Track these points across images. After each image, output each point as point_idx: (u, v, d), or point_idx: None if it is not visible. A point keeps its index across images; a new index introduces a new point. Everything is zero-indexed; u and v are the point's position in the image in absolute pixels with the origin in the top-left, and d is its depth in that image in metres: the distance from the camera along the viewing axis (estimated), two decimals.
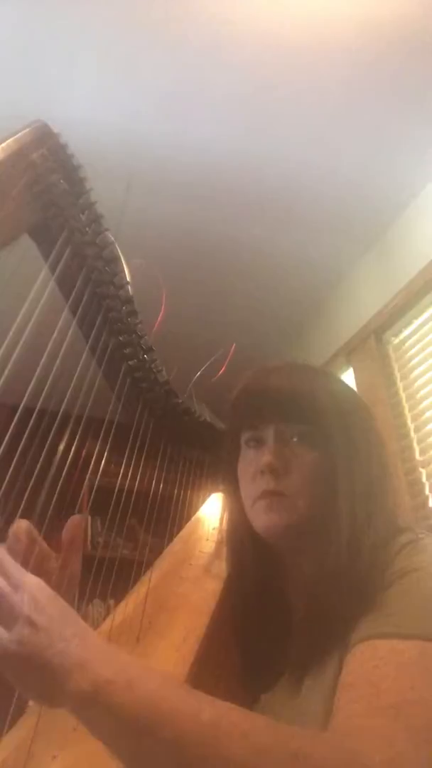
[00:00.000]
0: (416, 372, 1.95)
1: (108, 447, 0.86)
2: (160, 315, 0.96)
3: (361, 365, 2.18)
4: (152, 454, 0.93)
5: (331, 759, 0.48)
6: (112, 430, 0.82)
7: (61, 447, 0.76)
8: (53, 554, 0.70)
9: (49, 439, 0.72)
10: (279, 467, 0.75)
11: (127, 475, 0.88)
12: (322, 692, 0.63)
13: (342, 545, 0.68)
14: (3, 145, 0.64)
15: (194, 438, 1.00)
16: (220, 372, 1.08)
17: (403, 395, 1.98)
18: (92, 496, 0.89)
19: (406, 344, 2.05)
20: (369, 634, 0.59)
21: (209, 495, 1.16)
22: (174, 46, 1.63)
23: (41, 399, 0.66)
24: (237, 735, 0.48)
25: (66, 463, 0.72)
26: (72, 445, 0.76)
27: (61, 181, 0.70)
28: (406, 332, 2.07)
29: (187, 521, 1.09)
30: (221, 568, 0.89)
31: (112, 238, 0.75)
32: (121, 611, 0.82)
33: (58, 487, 0.68)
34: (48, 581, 0.66)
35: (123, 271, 0.78)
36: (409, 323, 2.06)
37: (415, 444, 1.86)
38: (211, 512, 1.12)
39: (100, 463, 0.88)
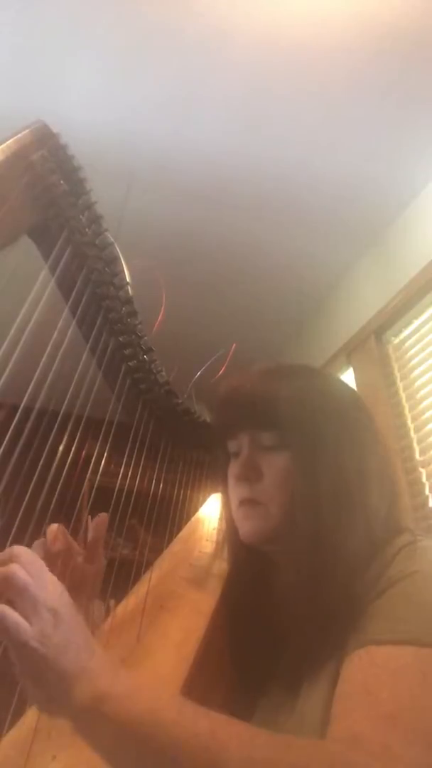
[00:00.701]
0: (416, 372, 1.95)
1: (108, 447, 0.86)
2: (160, 315, 0.96)
3: (361, 365, 2.18)
4: (152, 454, 0.93)
5: None
6: (112, 431, 0.82)
7: (61, 447, 0.76)
8: (81, 551, 0.77)
9: (50, 439, 0.73)
10: (250, 476, 0.76)
11: (127, 475, 0.88)
12: (320, 696, 0.63)
13: (306, 546, 0.69)
14: (3, 146, 0.64)
15: (194, 438, 1.00)
16: (220, 372, 1.08)
17: (403, 395, 1.98)
18: (92, 496, 0.89)
19: (406, 344, 2.05)
20: (365, 640, 0.59)
21: (209, 495, 1.16)
22: (174, 46, 1.63)
23: (41, 399, 0.66)
24: (234, 747, 0.48)
25: (66, 463, 0.72)
26: (72, 445, 0.76)
27: (61, 181, 0.70)
28: (406, 332, 2.07)
29: (187, 521, 1.09)
30: (221, 568, 0.89)
31: (112, 239, 0.76)
32: (122, 611, 0.82)
33: (58, 487, 0.68)
34: (76, 576, 0.74)
35: (123, 271, 0.78)
36: (409, 323, 2.05)
37: (415, 444, 1.86)
38: (211, 512, 1.12)
39: (100, 463, 0.88)
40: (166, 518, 1.02)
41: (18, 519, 0.65)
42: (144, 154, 1.91)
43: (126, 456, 0.87)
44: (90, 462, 0.89)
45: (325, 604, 0.65)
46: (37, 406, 0.67)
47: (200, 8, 1.55)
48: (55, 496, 0.68)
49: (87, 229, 0.73)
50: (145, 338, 0.84)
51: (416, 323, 2.02)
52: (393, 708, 0.52)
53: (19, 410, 0.64)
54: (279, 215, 2.15)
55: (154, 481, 0.94)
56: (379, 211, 2.14)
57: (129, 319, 0.81)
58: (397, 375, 2.04)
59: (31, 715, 0.63)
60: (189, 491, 1.04)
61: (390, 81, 1.71)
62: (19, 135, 0.67)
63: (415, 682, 0.54)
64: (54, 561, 0.72)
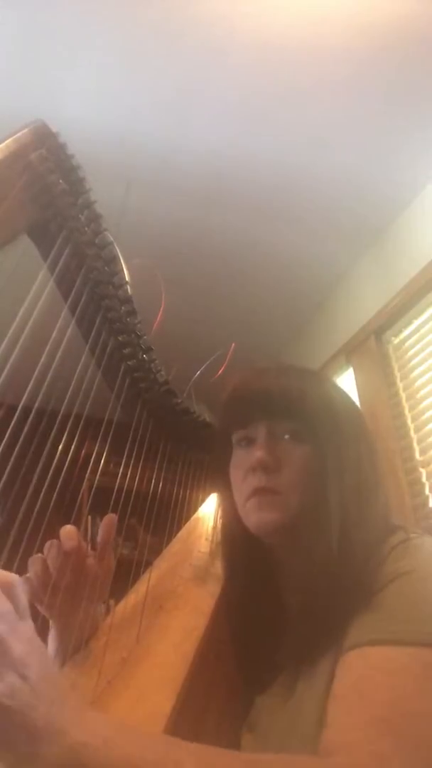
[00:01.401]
0: (416, 372, 1.95)
1: (107, 447, 0.86)
2: (159, 315, 0.96)
3: (361, 365, 2.18)
4: (151, 454, 0.93)
5: None
6: (112, 430, 0.82)
7: (61, 446, 0.76)
8: (90, 551, 0.78)
9: (50, 439, 0.73)
10: (270, 464, 0.75)
11: (127, 475, 0.88)
12: (316, 694, 0.62)
13: (332, 541, 0.68)
14: (2, 145, 0.64)
15: (193, 438, 1.00)
16: (220, 372, 1.08)
17: (403, 395, 1.98)
18: (91, 496, 0.89)
19: (406, 344, 2.05)
20: (360, 640, 0.59)
21: (209, 494, 1.16)
22: (174, 47, 1.63)
23: (40, 398, 0.66)
24: None
25: (65, 463, 0.72)
26: (71, 444, 0.76)
27: (60, 180, 0.70)
28: (406, 332, 2.07)
29: (186, 521, 1.09)
30: (220, 568, 0.89)
31: (111, 238, 0.75)
32: (121, 611, 0.82)
33: (58, 487, 0.68)
34: (87, 576, 0.76)
35: (122, 270, 0.78)
36: (409, 323, 2.05)
37: (415, 444, 1.86)
38: (210, 512, 1.12)
39: (100, 462, 0.88)
40: (166, 518, 1.01)
41: (17, 519, 0.65)
42: (144, 154, 1.91)
43: (125, 455, 0.87)
44: (89, 462, 0.89)
45: (331, 597, 0.65)
46: (36, 405, 0.66)
47: (200, 8, 1.55)
48: (54, 496, 0.68)
49: (86, 228, 0.73)
50: (145, 337, 0.84)
51: (416, 323, 2.02)
52: (387, 713, 0.51)
53: (18, 410, 0.64)
54: (279, 215, 2.15)
55: (153, 481, 0.94)
56: (379, 211, 2.14)
57: (128, 318, 0.81)
58: (397, 375, 2.04)
59: None
60: (188, 491, 1.04)
61: (390, 81, 1.71)
62: (18, 134, 0.67)
63: (410, 684, 0.53)
64: (67, 561, 0.73)
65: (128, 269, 0.79)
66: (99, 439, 0.83)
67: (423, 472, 1.78)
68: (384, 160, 1.95)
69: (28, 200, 0.67)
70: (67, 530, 0.75)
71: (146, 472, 0.91)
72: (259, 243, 2.27)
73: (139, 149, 1.90)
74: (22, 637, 0.45)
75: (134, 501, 0.87)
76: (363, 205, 2.11)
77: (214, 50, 1.64)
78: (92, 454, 0.87)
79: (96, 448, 0.85)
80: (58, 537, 0.76)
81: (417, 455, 1.83)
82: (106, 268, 0.76)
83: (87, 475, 0.92)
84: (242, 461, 0.79)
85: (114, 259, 0.76)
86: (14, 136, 0.66)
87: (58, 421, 0.73)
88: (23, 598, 0.48)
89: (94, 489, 0.87)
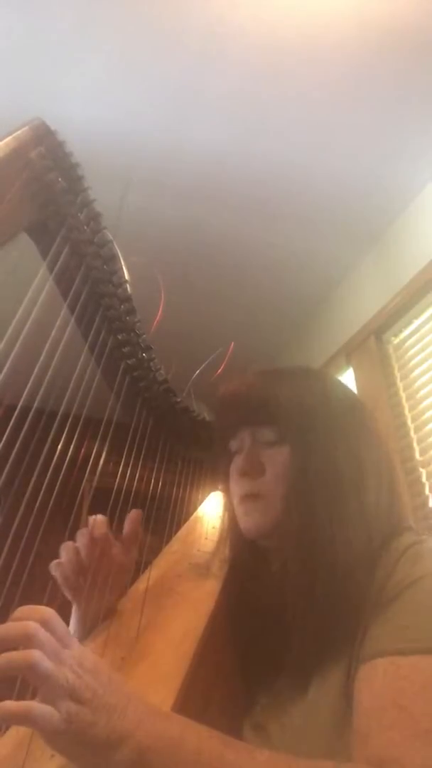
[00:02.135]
0: (416, 372, 1.95)
1: (107, 446, 0.86)
2: (159, 313, 0.96)
3: (361, 365, 2.18)
4: (151, 453, 0.93)
5: None
6: (111, 429, 0.82)
7: (60, 446, 0.75)
8: (116, 543, 0.82)
9: (49, 438, 0.72)
10: (251, 470, 0.78)
11: (126, 474, 0.88)
12: (330, 697, 0.63)
13: (300, 539, 0.70)
14: (1, 143, 0.64)
15: (193, 437, 1.00)
16: (219, 371, 1.08)
17: (403, 395, 1.97)
18: (91, 495, 0.89)
19: (406, 344, 2.04)
20: (386, 649, 0.58)
21: (208, 494, 1.16)
22: (174, 46, 1.63)
23: (39, 398, 0.66)
24: None
25: (64, 463, 0.72)
26: (70, 444, 0.76)
27: (59, 179, 0.70)
28: (406, 332, 2.07)
29: (186, 520, 1.09)
30: (220, 567, 0.89)
31: (111, 236, 0.75)
32: (120, 610, 0.82)
33: (57, 487, 0.68)
34: (111, 565, 0.79)
35: (121, 269, 0.78)
36: (409, 323, 2.05)
37: (415, 444, 1.85)
38: (210, 511, 1.12)
39: (99, 462, 0.88)
40: (166, 517, 1.01)
41: (16, 519, 0.65)
42: (143, 152, 1.91)
43: (125, 455, 0.87)
44: (89, 461, 0.89)
45: (322, 597, 0.65)
46: (35, 404, 0.66)
47: (200, 8, 1.55)
48: (53, 495, 0.67)
49: (85, 227, 0.73)
50: (144, 336, 0.84)
51: (416, 323, 2.02)
52: (430, 724, 0.52)
53: (17, 409, 0.64)
54: (278, 214, 2.15)
55: (153, 480, 0.93)
56: (379, 211, 2.14)
57: (127, 317, 0.81)
58: (397, 375, 2.04)
59: None
60: (188, 490, 1.04)
61: (390, 81, 1.71)
62: (17, 132, 0.67)
63: None
64: (95, 549, 0.78)
65: (127, 267, 0.79)
66: (98, 439, 0.83)
67: (423, 472, 1.77)
68: (384, 160, 1.95)
69: (27, 198, 0.67)
70: (98, 519, 0.79)
71: (146, 471, 0.91)
72: (258, 242, 2.27)
73: (139, 148, 1.90)
74: (69, 664, 0.48)
75: (134, 500, 0.87)
76: (363, 205, 2.11)
77: (214, 50, 1.64)
78: (92, 453, 0.86)
79: (95, 447, 0.85)
80: (57, 537, 0.77)
81: (417, 455, 1.83)
82: (105, 266, 0.76)
83: (86, 475, 0.92)
84: (233, 468, 0.83)
85: (113, 258, 0.76)
86: (13, 135, 0.66)
87: (57, 421, 0.73)
88: (62, 627, 0.51)
89: (93, 488, 0.87)
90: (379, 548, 0.68)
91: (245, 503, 0.79)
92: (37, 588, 0.68)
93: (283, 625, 0.75)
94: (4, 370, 0.59)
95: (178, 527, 1.07)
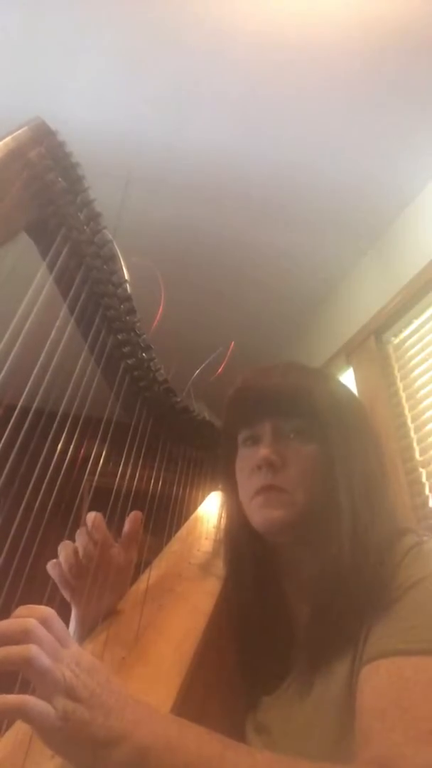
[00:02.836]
0: (416, 372, 1.95)
1: (107, 446, 0.86)
2: (159, 313, 0.96)
3: (361, 365, 2.18)
4: (151, 453, 0.92)
5: None
6: (111, 429, 0.82)
7: (60, 446, 0.75)
8: (115, 543, 0.81)
9: (49, 438, 0.72)
10: (276, 461, 0.75)
11: (126, 474, 0.87)
12: (334, 697, 0.63)
13: (343, 541, 0.68)
14: (0, 143, 0.64)
15: (193, 436, 1.00)
16: (219, 371, 1.08)
17: (403, 395, 1.97)
18: (91, 495, 0.89)
19: (406, 344, 2.04)
20: (388, 649, 0.58)
21: (208, 493, 1.16)
22: (174, 46, 1.63)
23: (38, 398, 0.66)
24: None
25: (64, 463, 0.72)
26: (70, 444, 0.76)
27: (59, 178, 0.70)
28: (406, 332, 2.07)
29: (186, 520, 1.09)
30: (220, 567, 0.89)
31: (110, 236, 0.75)
32: (120, 610, 0.82)
33: (57, 487, 0.68)
34: (110, 566, 0.78)
35: (121, 269, 0.78)
36: (409, 323, 2.05)
37: (415, 444, 1.85)
38: (210, 511, 1.12)
39: (99, 462, 0.88)
40: (166, 517, 1.01)
41: (17, 519, 0.65)
42: (143, 152, 1.91)
43: (124, 454, 0.87)
44: (88, 461, 0.89)
45: (348, 598, 0.65)
46: (35, 404, 0.66)
47: (200, 8, 1.55)
48: (53, 496, 0.67)
49: (85, 227, 0.73)
50: (144, 336, 0.84)
51: (416, 323, 2.02)
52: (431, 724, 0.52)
53: (17, 409, 0.64)
54: (278, 214, 2.15)
55: (153, 480, 0.93)
56: (379, 211, 2.14)
57: (127, 317, 0.81)
58: (397, 375, 2.03)
59: None
60: (188, 490, 1.04)
61: (390, 81, 1.71)
62: (17, 132, 0.67)
63: None
64: (94, 548, 0.77)
65: (127, 267, 0.79)
66: (98, 439, 0.83)
67: (423, 472, 1.77)
68: (384, 160, 1.95)
69: (27, 198, 0.67)
70: (94, 516, 0.79)
71: (146, 471, 0.91)
72: (258, 242, 2.27)
73: (139, 147, 1.90)
74: (67, 662, 0.48)
75: (134, 500, 0.87)
76: (363, 204, 2.11)
77: (214, 50, 1.64)
78: (91, 453, 0.86)
79: (95, 447, 0.85)
80: (57, 537, 0.77)
81: (417, 455, 1.83)
82: (105, 266, 0.76)
83: (86, 475, 0.92)
84: (248, 460, 0.79)
85: (113, 258, 0.76)
86: (13, 134, 0.66)
87: (57, 421, 0.73)
88: (61, 627, 0.51)
89: (93, 488, 0.87)
90: (384, 549, 0.68)
91: (264, 495, 0.75)
92: (37, 588, 0.68)
93: (288, 623, 0.75)
94: (4, 370, 0.59)
95: (178, 527, 1.07)
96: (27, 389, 0.66)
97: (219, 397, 0.88)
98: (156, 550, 0.99)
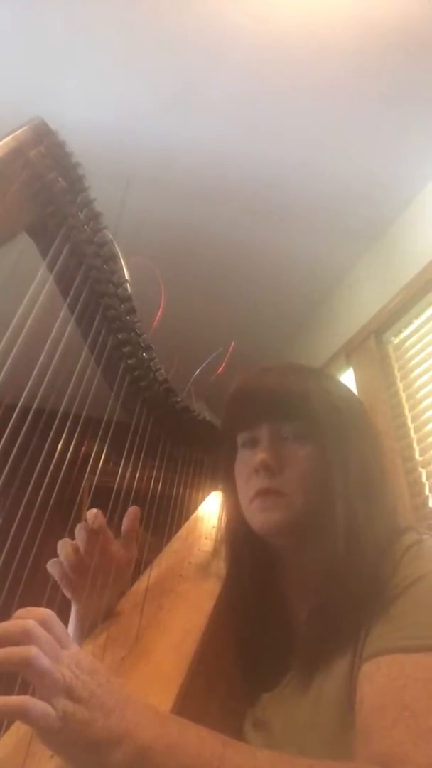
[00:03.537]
0: (416, 372, 1.95)
1: (107, 446, 0.86)
2: (159, 313, 0.96)
3: (361, 365, 2.18)
4: (151, 453, 0.92)
5: None
6: (111, 429, 0.82)
7: (60, 445, 0.75)
8: (114, 539, 0.81)
9: (49, 438, 0.72)
10: (273, 465, 0.75)
11: (126, 474, 0.87)
12: (335, 694, 0.63)
13: (340, 542, 0.68)
14: (0, 142, 0.64)
15: (193, 436, 1.00)
16: (219, 371, 1.08)
17: (403, 395, 1.97)
18: (91, 495, 0.89)
19: (406, 344, 2.04)
20: (389, 646, 0.58)
21: (208, 493, 1.16)
22: (174, 46, 1.63)
23: (39, 397, 0.66)
24: None
25: (64, 462, 0.72)
26: (70, 443, 0.76)
27: (59, 178, 0.70)
28: (406, 332, 2.07)
29: (186, 520, 1.09)
30: (220, 567, 0.89)
31: (111, 236, 0.75)
32: (120, 610, 0.82)
33: (57, 486, 0.68)
34: (111, 563, 0.78)
35: (122, 268, 0.78)
36: (409, 323, 2.05)
37: (415, 444, 1.85)
38: (210, 510, 1.12)
39: (99, 462, 0.88)
40: (166, 517, 1.01)
41: (17, 519, 0.65)
42: (143, 152, 1.91)
43: (125, 454, 0.87)
44: (89, 461, 0.89)
45: (348, 597, 0.65)
46: (35, 404, 0.66)
47: (200, 8, 1.55)
48: (53, 495, 0.67)
49: (85, 226, 0.73)
50: (144, 336, 0.84)
51: (416, 323, 2.02)
52: None
53: (17, 409, 0.64)
54: (278, 214, 2.15)
55: (153, 480, 0.93)
56: (379, 211, 2.14)
57: (128, 317, 0.81)
58: (397, 375, 2.03)
59: None
60: (188, 490, 1.04)
61: (390, 81, 1.71)
62: (17, 132, 0.67)
63: None
64: (94, 545, 0.77)
65: (127, 267, 0.79)
66: (98, 438, 0.83)
67: (423, 472, 1.77)
68: (384, 160, 1.95)
69: (27, 198, 0.67)
70: (94, 512, 0.79)
71: (146, 471, 0.91)
72: (258, 242, 2.27)
73: (139, 147, 1.90)
74: (67, 663, 0.48)
75: (134, 500, 0.87)
76: (363, 204, 2.11)
77: (215, 49, 1.64)
78: (92, 453, 0.87)
79: (95, 447, 0.85)
80: (57, 537, 0.77)
81: (417, 455, 1.83)
82: (105, 266, 0.76)
83: (86, 475, 0.92)
84: (246, 463, 0.79)
85: (113, 257, 0.76)
86: (13, 134, 0.66)
87: (57, 420, 0.73)
88: (61, 628, 0.50)
89: (93, 488, 0.87)
90: (383, 547, 0.68)
91: (262, 498, 0.75)
92: (37, 588, 0.68)
93: (287, 621, 0.76)
94: (4, 370, 0.59)
95: (179, 527, 1.07)
96: (27, 389, 0.66)
97: (219, 397, 0.88)
98: (156, 549, 0.99)
